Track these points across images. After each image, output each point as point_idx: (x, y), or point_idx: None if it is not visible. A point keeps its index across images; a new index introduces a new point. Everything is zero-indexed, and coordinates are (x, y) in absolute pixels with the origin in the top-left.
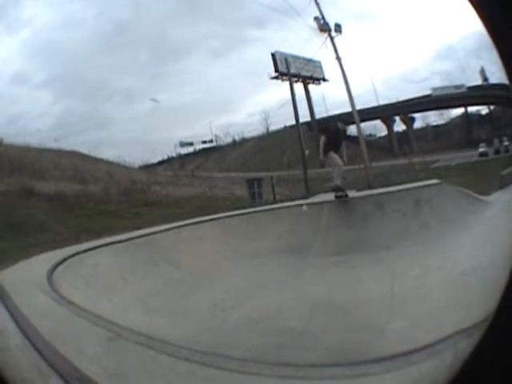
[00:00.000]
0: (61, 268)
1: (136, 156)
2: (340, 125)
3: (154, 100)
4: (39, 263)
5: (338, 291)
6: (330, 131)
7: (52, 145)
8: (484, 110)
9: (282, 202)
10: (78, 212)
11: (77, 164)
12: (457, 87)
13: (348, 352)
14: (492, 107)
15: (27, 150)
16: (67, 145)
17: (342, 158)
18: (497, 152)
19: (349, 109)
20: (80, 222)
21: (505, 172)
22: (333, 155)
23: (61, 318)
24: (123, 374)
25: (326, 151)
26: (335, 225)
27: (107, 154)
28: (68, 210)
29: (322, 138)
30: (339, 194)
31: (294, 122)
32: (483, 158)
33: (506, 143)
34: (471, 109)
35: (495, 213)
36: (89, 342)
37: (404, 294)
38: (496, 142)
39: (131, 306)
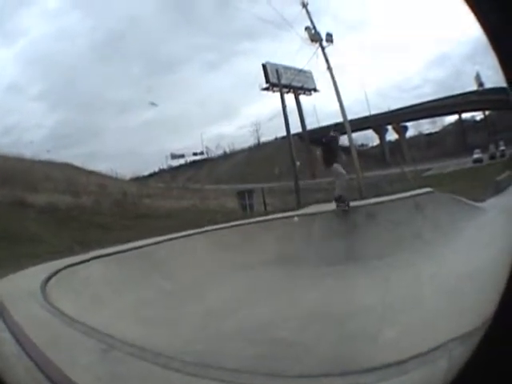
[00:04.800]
0: (54, 280)
1: (127, 168)
2: (333, 133)
3: (152, 104)
4: (33, 274)
5: (330, 301)
6: (326, 142)
7: (44, 156)
8: (479, 115)
9: (274, 213)
10: (71, 224)
11: (70, 176)
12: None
13: (340, 362)
14: (487, 112)
15: (20, 161)
16: (60, 156)
17: (343, 167)
18: (492, 157)
19: (340, 119)
20: (73, 234)
21: (500, 177)
22: (336, 166)
23: (54, 329)
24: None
25: (327, 162)
26: (327, 235)
27: (99, 166)
28: (61, 222)
29: (319, 151)
30: (341, 204)
31: (285, 134)
32: (478, 165)
33: (503, 148)
34: (466, 115)
35: (490, 219)
36: (81, 352)
37: (397, 302)
38: (491, 147)
39: (123, 317)
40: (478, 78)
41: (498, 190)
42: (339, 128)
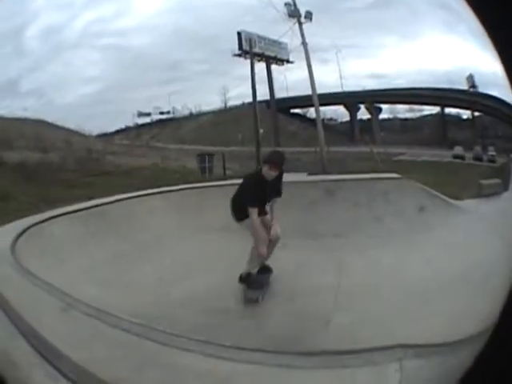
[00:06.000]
0: (22, 238)
1: (94, 124)
2: (265, 170)
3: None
4: (3, 233)
5: (282, 273)
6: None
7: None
8: (466, 114)
9: (233, 178)
10: (38, 181)
11: (40, 132)
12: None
13: (290, 340)
14: (477, 114)
15: None
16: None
17: (267, 224)
18: (477, 159)
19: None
20: (39, 191)
21: (485, 182)
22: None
23: (21, 288)
24: (72, 340)
25: (242, 214)
26: (283, 207)
27: (69, 122)
28: (28, 178)
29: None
30: (250, 292)
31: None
32: (458, 161)
33: (493, 153)
34: (451, 110)
35: (467, 220)
36: (44, 310)
37: (349, 285)
38: (477, 148)
39: (80, 276)
40: (470, 78)
41: (480, 193)
42: (279, 156)
